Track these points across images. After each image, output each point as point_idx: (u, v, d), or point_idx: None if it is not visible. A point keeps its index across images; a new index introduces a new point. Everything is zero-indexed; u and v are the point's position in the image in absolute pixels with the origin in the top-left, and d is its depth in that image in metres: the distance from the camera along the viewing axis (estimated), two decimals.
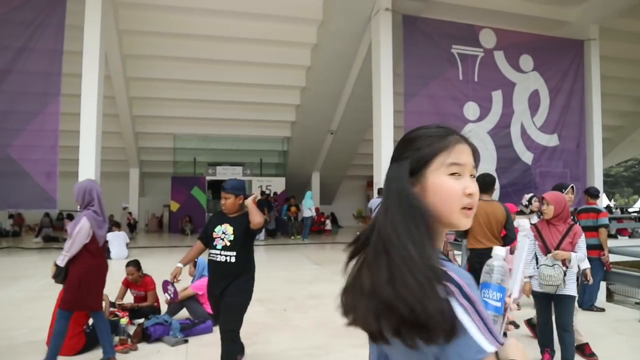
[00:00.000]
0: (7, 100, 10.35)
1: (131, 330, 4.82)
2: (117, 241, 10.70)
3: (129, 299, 5.75)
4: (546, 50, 13.48)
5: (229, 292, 3.50)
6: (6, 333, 4.92)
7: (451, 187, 0.97)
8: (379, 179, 11.41)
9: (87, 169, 10.24)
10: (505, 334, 1.06)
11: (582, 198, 7.05)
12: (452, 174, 0.98)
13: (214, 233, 3.61)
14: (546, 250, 3.90)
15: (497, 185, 10.77)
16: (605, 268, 6.26)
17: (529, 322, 5.00)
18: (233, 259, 3.51)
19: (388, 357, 0.94)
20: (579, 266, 4.21)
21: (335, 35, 12.63)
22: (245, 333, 4.01)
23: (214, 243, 3.58)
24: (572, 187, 5.18)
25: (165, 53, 13.49)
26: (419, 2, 11.94)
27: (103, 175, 11.22)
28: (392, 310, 0.82)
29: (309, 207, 15.42)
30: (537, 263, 3.95)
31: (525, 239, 1.28)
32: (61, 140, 10.60)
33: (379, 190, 10.79)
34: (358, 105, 14.53)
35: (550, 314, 4.02)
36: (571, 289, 3.85)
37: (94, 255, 3.91)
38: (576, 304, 4.23)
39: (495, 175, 7.62)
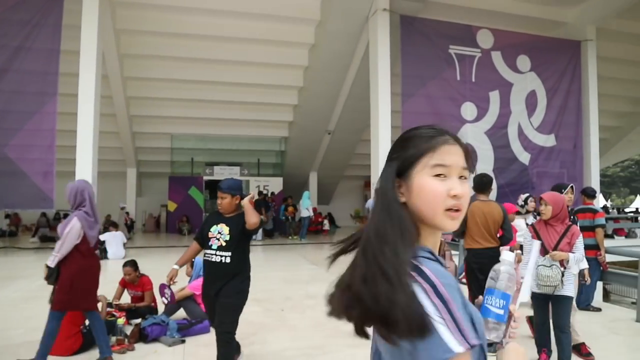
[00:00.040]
0: (4, 100, 10.31)
1: (128, 330, 4.82)
2: (114, 241, 10.68)
3: (126, 299, 5.73)
4: (543, 51, 13.50)
5: (225, 292, 3.46)
6: (3, 333, 4.92)
7: (434, 189, 0.97)
8: (377, 179, 11.39)
9: (84, 168, 10.21)
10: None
11: (578, 198, 7.07)
12: (437, 175, 0.98)
13: (209, 233, 3.57)
14: (544, 251, 3.90)
15: (494, 186, 10.81)
16: (601, 268, 6.28)
17: (530, 320, 4.95)
18: (228, 259, 3.48)
19: (380, 353, 0.97)
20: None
21: (333, 35, 12.63)
22: (243, 333, 4.00)
23: (210, 243, 3.55)
24: (572, 187, 5.18)
25: (162, 53, 13.47)
26: (416, 3, 11.95)
27: (100, 175, 11.19)
28: (358, 301, 0.86)
29: (306, 207, 15.43)
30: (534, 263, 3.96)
31: (536, 243, 1.26)
32: (58, 139, 10.56)
33: None
34: (356, 105, 14.54)
35: (548, 314, 4.03)
36: (569, 290, 3.86)
37: (85, 256, 3.90)
38: (574, 303, 4.24)
39: (492, 175, 7.63)
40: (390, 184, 1.00)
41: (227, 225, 3.55)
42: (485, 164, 12.50)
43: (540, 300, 4.00)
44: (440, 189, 0.97)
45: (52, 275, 3.83)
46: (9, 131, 10.36)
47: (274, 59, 14.06)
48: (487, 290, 1.07)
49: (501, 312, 1.04)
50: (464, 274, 5.41)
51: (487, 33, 12.93)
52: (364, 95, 12.48)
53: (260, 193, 16.38)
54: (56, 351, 4.20)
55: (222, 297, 3.46)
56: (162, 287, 4.62)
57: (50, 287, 3.96)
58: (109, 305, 5.26)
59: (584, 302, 6.11)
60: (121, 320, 4.79)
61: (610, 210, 20.80)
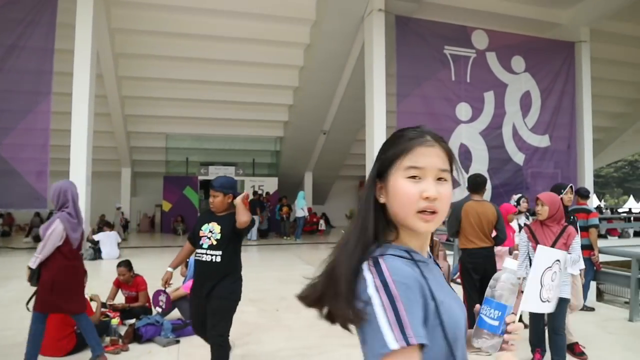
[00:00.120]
0: None
1: (122, 330, 4.80)
2: (108, 241, 10.64)
3: (120, 299, 5.71)
4: (538, 52, 13.56)
5: (216, 294, 3.37)
6: None
7: (406, 190, 0.98)
8: None
9: (78, 168, 10.17)
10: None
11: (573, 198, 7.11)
12: (412, 177, 0.98)
13: (200, 231, 3.50)
14: None
15: (488, 186, 10.85)
16: (595, 268, 6.31)
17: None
18: (219, 259, 3.40)
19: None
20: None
21: (329, 35, 12.64)
22: (237, 333, 4.00)
23: (201, 242, 3.47)
24: (571, 187, 5.20)
25: (157, 52, 13.43)
26: (411, 3, 11.97)
27: (94, 175, 11.14)
28: (314, 287, 1.01)
29: (301, 207, 15.41)
30: (530, 264, 3.96)
31: (545, 251, 1.20)
32: (52, 139, 10.52)
33: None
34: (351, 105, 14.54)
35: (542, 314, 4.03)
36: (564, 292, 3.82)
37: (68, 257, 3.88)
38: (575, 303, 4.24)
39: (487, 175, 7.67)
40: (370, 184, 1.04)
41: (218, 224, 3.48)
42: (480, 165, 12.55)
43: None
44: (411, 190, 0.97)
45: (34, 276, 3.82)
46: (2, 130, 10.31)
47: (269, 59, 14.04)
48: (484, 299, 1.04)
49: (495, 323, 1.00)
50: (458, 273, 5.43)
51: (482, 34, 12.97)
52: (359, 95, 12.49)
53: (255, 193, 16.35)
54: (50, 352, 4.18)
55: (213, 299, 3.38)
56: (156, 295, 4.60)
57: (33, 289, 3.94)
58: (103, 305, 5.23)
59: None
60: (115, 321, 4.78)
61: (604, 211, 20.92)
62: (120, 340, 4.55)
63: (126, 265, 5.62)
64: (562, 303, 3.88)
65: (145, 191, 19.58)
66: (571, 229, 3.92)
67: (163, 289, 3.93)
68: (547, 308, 1.18)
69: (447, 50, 12.57)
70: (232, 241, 3.48)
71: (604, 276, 6.67)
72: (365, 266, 0.94)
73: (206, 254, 3.43)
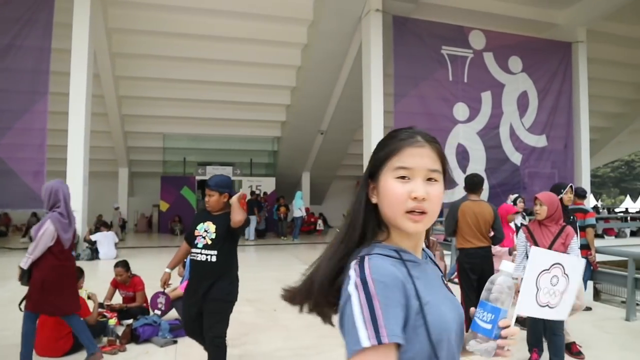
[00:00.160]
0: None
1: (120, 331, 4.79)
2: (105, 241, 10.61)
3: (117, 299, 5.69)
4: (535, 52, 13.60)
5: (213, 295, 3.33)
6: None
7: (394, 191, 0.99)
8: None
9: (75, 168, 10.15)
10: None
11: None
12: (400, 177, 0.99)
13: (196, 231, 3.48)
14: None
15: (486, 186, 10.87)
16: (592, 267, 6.34)
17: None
18: (214, 258, 3.37)
19: None
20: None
21: (326, 35, 12.63)
22: (235, 333, 3.99)
23: (196, 241, 3.44)
24: (571, 186, 5.21)
25: (154, 52, 13.40)
26: (409, 3, 11.98)
27: (92, 175, 11.12)
28: (298, 285, 1.15)
29: (299, 207, 15.40)
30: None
31: (539, 252, 1.17)
32: (49, 139, 10.48)
33: None
34: (348, 105, 14.55)
35: None
36: None
37: (59, 258, 3.88)
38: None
39: (484, 175, 7.68)
40: (363, 185, 1.06)
41: (213, 223, 3.45)
42: (477, 164, 12.57)
43: None
44: (399, 191, 0.98)
45: (24, 276, 3.82)
46: None
47: (266, 59, 14.03)
48: (479, 302, 1.03)
49: (489, 326, 0.99)
50: (455, 273, 5.43)
51: (479, 34, 12.99)
52: (357, 95, 12.50)
53: (252, 193, 16.33)
54: (47, 352, 4.17)
55: (210, 300, 3.34)
56: (155, 298, 4.58)
57: (25, 289, 3.93)
58: (101, 305, 5.22)
59: None
60: (113, 321, 4.76)
61: (601, 211, 20.98)
62: (118, 341, 4.55)
63: (123, 265, 5.61)
64: None
65: (143, 191, 19.53)
66: (569, 229, 3.91)
67: (162, 290, 3.91)
68: (551, 314, 1.13)
69: (444, 51, 12.59)
70: (227, 241, 3.46)
71: (601, 276, 6.71)
72: (352, 264, 0.96)
73: (201, 254, 3.41)
